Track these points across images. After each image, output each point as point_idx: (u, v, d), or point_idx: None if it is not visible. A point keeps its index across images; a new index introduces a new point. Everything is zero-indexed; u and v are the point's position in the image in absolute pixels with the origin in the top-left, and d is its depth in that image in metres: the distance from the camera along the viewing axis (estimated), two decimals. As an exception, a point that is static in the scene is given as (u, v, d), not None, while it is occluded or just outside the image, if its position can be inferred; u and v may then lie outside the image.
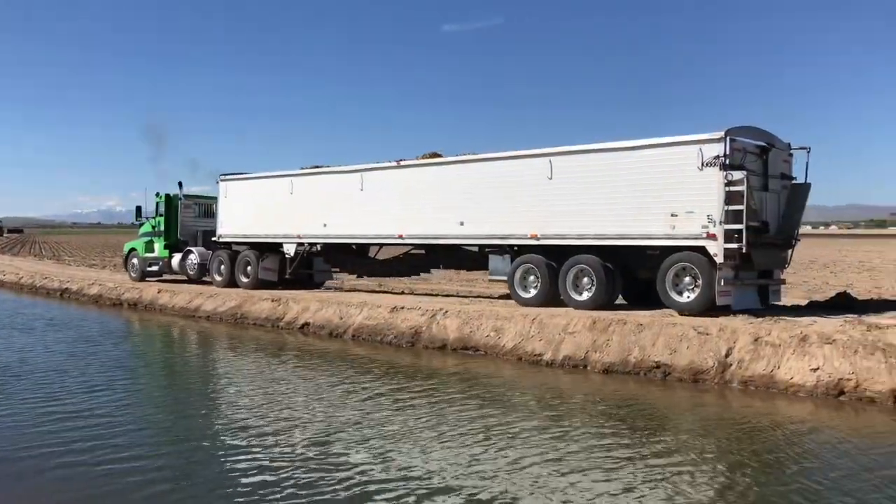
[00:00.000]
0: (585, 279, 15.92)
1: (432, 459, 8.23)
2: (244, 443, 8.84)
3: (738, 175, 13.72)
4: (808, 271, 35.51)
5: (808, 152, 15.51)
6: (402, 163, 19.54)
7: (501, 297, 19.15)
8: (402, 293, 22.11)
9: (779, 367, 11.68)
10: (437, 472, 7.80)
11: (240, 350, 16.40)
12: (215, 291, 22.70)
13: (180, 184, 26.58)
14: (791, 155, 15.77)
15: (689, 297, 14.47)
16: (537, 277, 16.65)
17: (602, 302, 15.58)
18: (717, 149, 13.94)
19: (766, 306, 15.21)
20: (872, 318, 12.99)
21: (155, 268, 26.65)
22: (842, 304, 15.71)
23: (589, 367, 13.45)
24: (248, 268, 23.04)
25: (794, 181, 15.70)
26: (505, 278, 17.33)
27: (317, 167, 22.20)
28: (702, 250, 14.19)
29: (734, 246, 13.76)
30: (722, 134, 13.95)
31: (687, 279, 14.54)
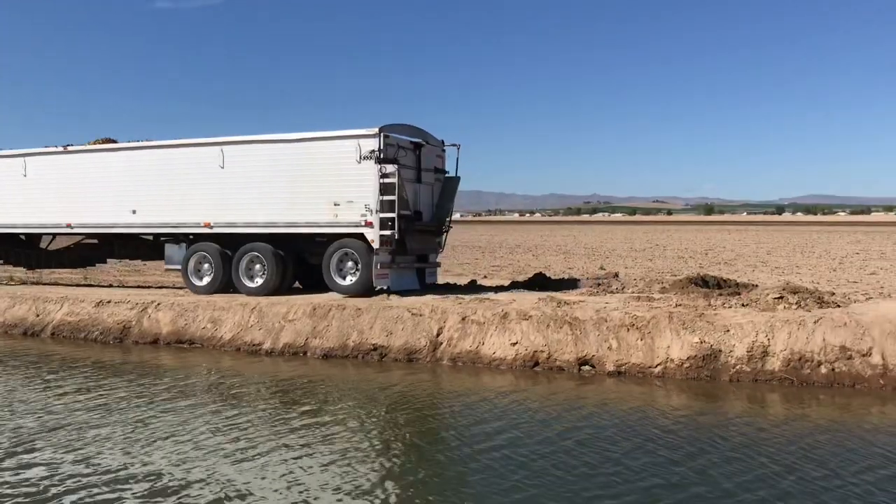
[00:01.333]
0: (257, 266, 16.36)
1: (139, 459, 7.82)
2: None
3: (390, 168, 14.95)
4: (514, 255, 38.64)
5: (458, 149, 17.18)
6: (70, 148, 18.66)
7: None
8: (111, 286, 20.63)
9: (483, 343, 12.61)
10: (148, 472, 7.43)
11: None
12: None
13: None
14: (444, 151, 17.23)
15: (351, 280, 15.59)
16: (211, 266, 16.79)
17: (273, 288, 16.09)
18: (373, 144, 15.04)
19: (423, 287, 16.62)
20: (563, 295, 14.47)
21: None
22: (539, 283, 17.33)
23: (309, 354, 13.55)
24: None
25: (446, 175, 17.20)
26: (180, 267, 17.19)
27: None
28: (361, 237, 15.28)
29: (388, 233, 14.97)
30: (376, 130, 15.06)
31: (349, 264, 15.64)
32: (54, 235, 20.22)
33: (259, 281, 16.31)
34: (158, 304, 15.61)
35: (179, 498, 6.77)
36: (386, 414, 9.89)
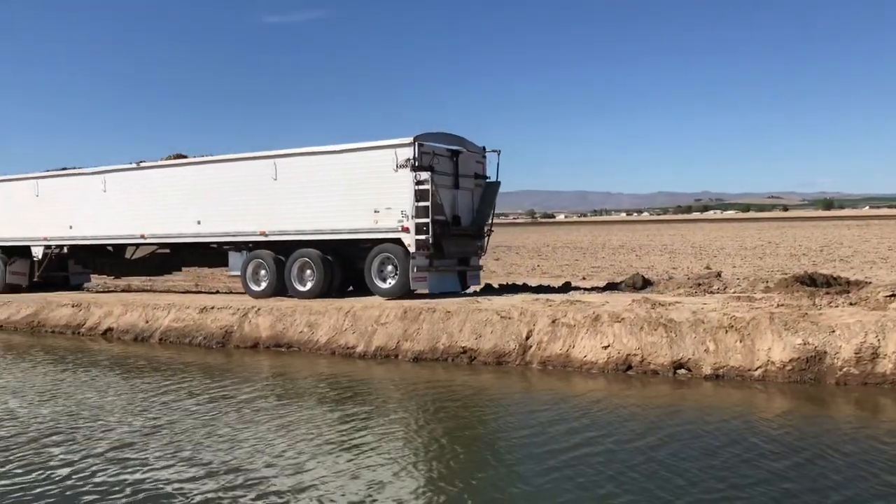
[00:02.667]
0: (308, 271, 17.16)
1: (236, 456, 8.02)
2: (39, 452, 8.21)
3: (424, 175, 15.49)
4: (616, 255, 37.88)
5: (499, 154, 17.62)
6: (142, 164, 20.09)
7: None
8: (218, 292, 21.45)
9: (574, 347, 12.35)
10: (241, 468, 7.61)
11: (33, 359, 15.18)
12: (9, 298, 20.99)
13: None
14: (485, 157, 17.56)
15: (391, 283, 16.18)
16: (267, 271, 17.67)
17: (322, 291, 16.87)
18: (408, 152, 15.60)
19: (465, 289, 17.07)
20: (658, 297, 14.02)
21: None
22: (636, 284, 16.86)
23: (400, 357, 13.63)
24: None
25: (487, 180, 17.52)
26: (240, 273, 18.29)
27: (64, 168, 22.28)
28: (399, 242, 15.91)
29: (423, 237, 15.50)
30: (411, 139, 15.60)
31: (389, 268, 16.26)
32: (137, 246, 21.55)
33: (309, 285, 17.08)
34: (258, 309, 16.06)
35: (261, 494, 6.90)
36: (469, 417, 9.83)
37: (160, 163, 20.07)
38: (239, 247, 18.41)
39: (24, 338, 18.15)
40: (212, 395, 11.30)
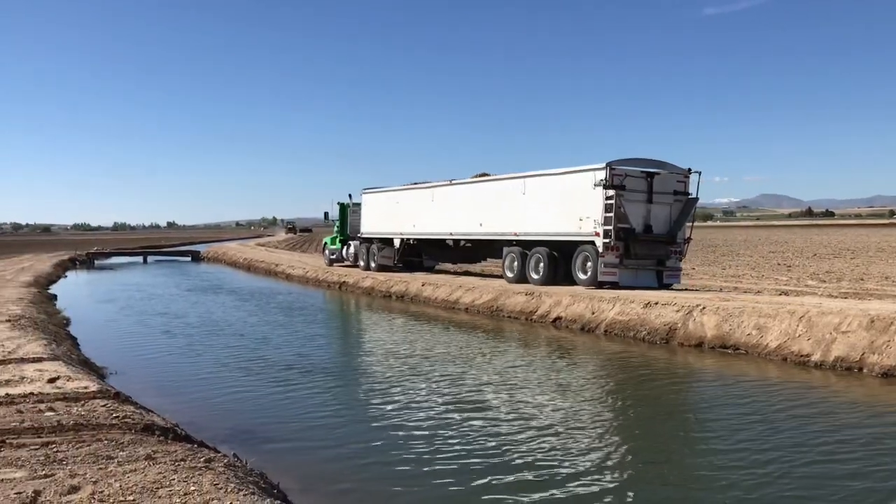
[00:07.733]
0: (540, 264, 22.44)
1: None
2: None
3: (611, 192, 19.71)
4: None
5: (700, 175, 20.82)
6: (453, 182, 27.29)
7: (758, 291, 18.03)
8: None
9: None
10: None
11: (528, 346, 16.31)
12: (473, 285, 23.64)
13: (350, 195, 35.88)
14: (687, 177, 20.92)
15: (587, 275, 20.62)
16: (517, 263, 23.36)
17: (547, 279, 21.99)
18: (602, 175, 19.84)
19: (663, 287, 20.52)
20: None
21: (334, 256, 36.66)
22: None
23: (865, 371, 12.30)
24: (375, 256, 31.80)
25: (689, 196, 20.85)
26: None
27: (415, 183, 30.30)
28: (593, 244, 20.28)
29: (607, 240, 19.80)
30: (604, 165, 19.80)
31: (588, 264, 20.67)
32: (471, 241, 27.77)
33: (540, 274, 22.29)
34: (703, 307, 15.74)
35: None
36: None
37: (460, 181, 26.89)
38: (505, 244, 24.09)
39: (488, 321, 20.04)
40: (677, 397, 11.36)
